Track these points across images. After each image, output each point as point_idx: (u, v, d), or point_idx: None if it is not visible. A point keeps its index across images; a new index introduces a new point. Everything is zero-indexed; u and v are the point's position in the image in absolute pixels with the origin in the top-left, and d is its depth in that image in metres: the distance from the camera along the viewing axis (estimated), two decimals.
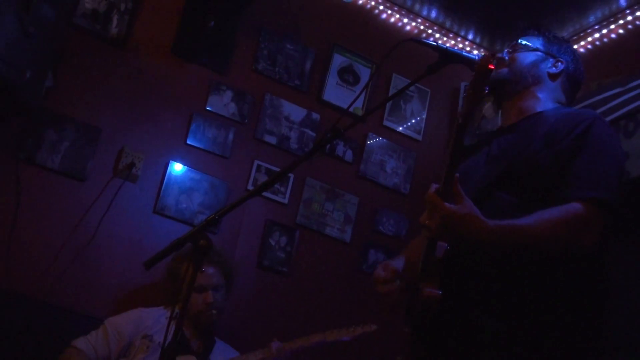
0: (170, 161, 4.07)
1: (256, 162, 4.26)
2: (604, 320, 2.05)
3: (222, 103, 4.24)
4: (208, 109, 4.21)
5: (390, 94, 4.58)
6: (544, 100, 2.33)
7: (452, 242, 1.95)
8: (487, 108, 4.57)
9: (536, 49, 2.39)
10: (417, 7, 4.77)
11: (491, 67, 1.92)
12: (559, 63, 2.37)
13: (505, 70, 2.35)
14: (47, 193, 3.82)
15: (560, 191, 2.00)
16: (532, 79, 2.35)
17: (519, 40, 2.43)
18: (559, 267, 1.98)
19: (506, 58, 2.39)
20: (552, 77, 2.37)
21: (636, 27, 4.20)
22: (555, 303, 1.97)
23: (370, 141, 4.58)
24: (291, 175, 4.29)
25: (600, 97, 3.93)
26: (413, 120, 4.73)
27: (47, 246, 3.76)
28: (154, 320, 3.44)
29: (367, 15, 4.74)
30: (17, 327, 3.58)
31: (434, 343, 2.02)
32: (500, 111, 2.50)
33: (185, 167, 4.10)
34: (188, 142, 4.13)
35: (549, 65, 2.37)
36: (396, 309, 2.12)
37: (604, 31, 4.35)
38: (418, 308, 1.94)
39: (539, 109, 2.30)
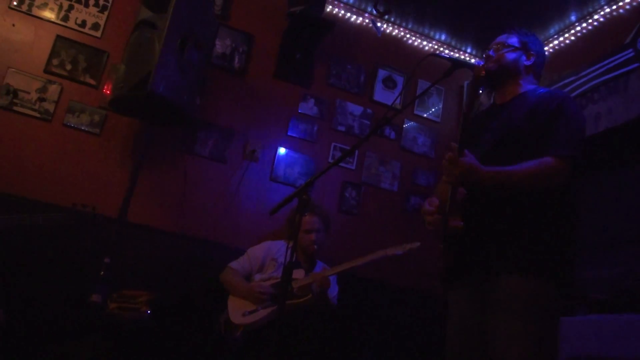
0: (278, 147, 4.11)
1: (333, 144, 4.27)
2: (577, 229, 2.00)
3: (308, 107, 4.27)
4: (300, 111, 4.24)
5: (418, 93, 4.55)
6: (524, 84, 2.21)
7: (466, 186, 1.89)
8: (482, 96, 4.52)
9: (515, 49, 2.22)
10: (432, 33, 4.73)
11: (482, 73, 1.85)
12: (532, 57, 2.22)
13: (494, 66, 2.20)
14: (202, 171, 3.89)
15: (539, 149, 1.93)
16: (514, 71, 2.21)
17: (501, 40, 2.26)
18: (541, 198, 1.94)
19: (493, 55, 2.22)
20: (527, 67, 2.22)
21: (584, 34, 4.13)
22: (540, 221, 1.93)
23: (406, 125, 4.56)
24: (357, 151, 4.29)
25: (560, 83, 3.87)
26: (433, 109, 4.69)
27: (205, 204, 3.83)
28: (278, 249, 3.48)
29: (399, 42, 4.70)
30: (189, 259, 3.69)
31: (459, 254, 1.99)
32: (493, 94, 2.39)
33: (288, 150, 4.13)
34: (289, 133, 4.17)
35: (524, 59, 2.22)
36: (437, 232, 2.02)
37: (561, 39, 4.27)
38: (448, 233, 1.91)
39: (521, 91, 2.19)
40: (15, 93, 3.55)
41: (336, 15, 4.53)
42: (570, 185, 1.98)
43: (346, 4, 4.56)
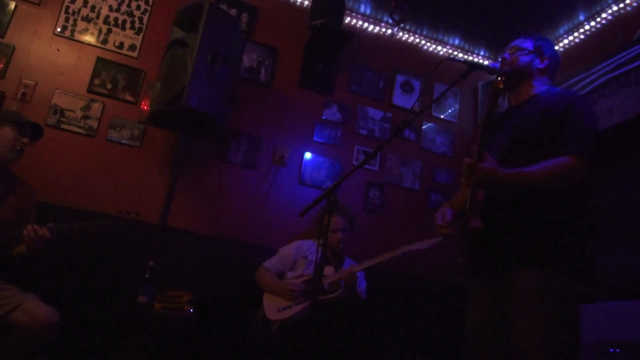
0: (305, 152, 4.11)
1: (356, 147, 4.26)
2: (597, 222, 1.96)
3: (331, 113, 4.27)
4: (324, 117, 4.24)
5: (435, 96, 4.51)
6: (537, 85, 2.18)
7: (486, 188, 1.88)
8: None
9: (529, 52, 2.19)
10: (446, 38, 4.71)
11: (501, 86, 1.75)
12: (545, 60, 2.19)
13: (508, 69, 2.18)
14: (235, 178, 3.91)
15: (554, 149, 1.90)
16: (528, 74, 2.18)
17: (516, 44, 2.23)
18: (553, 194, 1.89)
19: (507, 58, 2.20)
20: (540, 70, 2.19)
21: (592, 33, 4.06)
22: (550, 215, 1.89)
23: (425, 126, 4.54)
24: (379, 153, 4.26)
25: (572, 80, 3.82)
26: (450, 110, 4.65)
27: (239, 208, 3.85)
28: (308, 247, 3.47)
29: (414, 48, 4.68)
30: (225, 260, 3.71)
31: (477, 250, 1.99)
32: (507, 96, 2.35)
33: (314, 154, 4.13)
34: (314, 139, 4.17)
35: (538, 62, 2.18)
36: (461, 234, 2.02)
37: (570, 38, 4.21)
38: (468, 233, 1.90)
39: (534, 92, 2.16)
40: (62, 112, 3.64)
41: (354, 26, 4.53)
42: (585, 181, 1.93)
43: (363, 14, 4.56)
